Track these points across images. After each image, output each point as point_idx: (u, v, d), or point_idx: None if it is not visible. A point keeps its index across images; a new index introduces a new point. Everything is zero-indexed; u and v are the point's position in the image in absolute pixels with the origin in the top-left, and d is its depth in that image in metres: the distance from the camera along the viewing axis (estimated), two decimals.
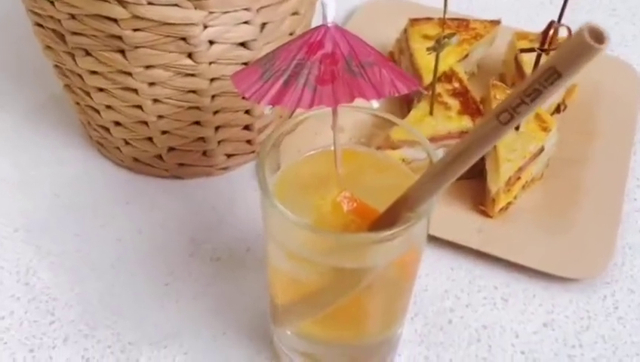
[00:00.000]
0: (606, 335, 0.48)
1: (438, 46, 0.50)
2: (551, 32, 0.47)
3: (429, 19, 0.64)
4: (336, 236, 0.34)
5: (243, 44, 0.47)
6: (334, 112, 0.37)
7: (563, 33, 0.50)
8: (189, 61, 0.46)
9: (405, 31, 0.65)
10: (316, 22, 0.37)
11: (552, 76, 0.24)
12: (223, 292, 0.50)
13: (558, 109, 0.63)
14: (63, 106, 0.63)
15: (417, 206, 0.32)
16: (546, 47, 0.47)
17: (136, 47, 0.45)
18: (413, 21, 0.64)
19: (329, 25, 0.35)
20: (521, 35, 0.63)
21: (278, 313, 0.42)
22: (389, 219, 0.34)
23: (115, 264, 0.52)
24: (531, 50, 0.48)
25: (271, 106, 0.34)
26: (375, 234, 0.33)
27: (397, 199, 0.33)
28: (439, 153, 0.56)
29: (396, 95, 0.34)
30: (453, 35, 0.48)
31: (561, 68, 0.23)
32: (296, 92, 0.34)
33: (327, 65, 0.34)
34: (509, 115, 0.25)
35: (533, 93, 0.24)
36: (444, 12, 0.59)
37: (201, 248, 0.53)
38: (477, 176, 0.57)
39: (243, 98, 0.35)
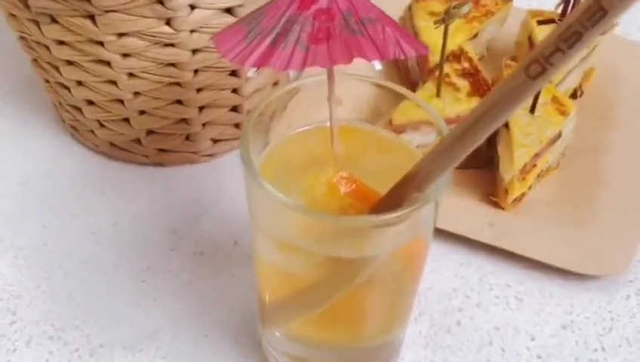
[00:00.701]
0: (630, 337, 0.44)
1: (446, 17, 0.45)
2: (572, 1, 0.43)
3: None
4: (332, 219, 0.29)
5: (229, 11, 0.43)
6: (330, 79, 0.33)
7: None
8: (167, 28, 0.42)
9: (410, 8, 0.61)
10: None
11: (596, 14, 0.20)
12: (206, 290, 0.46)
13: (574, 95, 0.59)
14: (35, 88, 0.59)
15: (427, 184, 0.28)
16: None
17: (107, 12, 0.41)
18: None
19: None
20: (536, 13, 0.59)
21: (267, 312, 0.38)
22: (392, 201, 0.29)
23: (87, 259, 0.48)
24: (550, 21, 0.44)
25: (256, 69, 0.30)
26: (376, 217, 0.29)
27: (403, 177, 0.29)
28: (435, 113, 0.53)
29: (402, 57, 0.30)
30: (463, 4, 0.44)
31: (607, 3, 0.19)
32: (285, 51, 0.29)
33: (322, 21, 0.30)
34: (540, 66, 0.21)
35: (572, 37, 0.20)
36: None
37: (183, 242, 0.49)
38: (486, 165, 0.53)
39: (228, 62, 0.31)
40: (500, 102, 0.23)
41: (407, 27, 0.61)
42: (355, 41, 0.29)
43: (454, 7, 0.46)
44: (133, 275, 0.47)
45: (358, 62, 0.30)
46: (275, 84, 0.54)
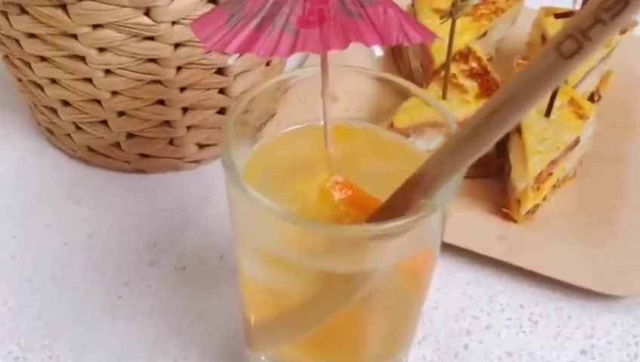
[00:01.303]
0: None
1: (454, 11, 0.42)
2: None
3: None
4: (325, 228, 0.26)
5: (214, 1, 0.40)
6: (324, 72, 0.30)
7: None
8: (146, 19, 0.39)
9: (412, 4, 0.58)
10: None
11: None
12: (187, 308, 0.42)
13: (591, 99, 0.56)
14: (10, 89, 0.56)
15: (434, 189, 0.24)
16: None
17: (80, 0, 0.38)
18: None
19: None
20: (550, 11, 0.56)
21: (253, 334, 0.35)
22: (394, 208, 0.26)
23: (58, 273, 0.44)
24: (570, 13, 0.41)
25: (237, 56, 0.27)
26: (376, 226, 0.25)
27: (406, 181, 0.25)
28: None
29: (406, 43, 0.27)
30: None
31: None
32: (272, 36, 0.26)
33: (315, 2, 0.27)
34: (576, 42, 0.18)
35: (618, 5, 0.17)
36: None
37: (163, 255, 0.45)
38: (496, 173, 0.50)
39: (206, 51, 0.28)
40: (524, 89, 0.20)
41: None
42: (352, 25, 0.26)
43: (462, 0, 0.42)
44: (108, 291, 0.43)
45: (356, 53, 0.27)
46: None
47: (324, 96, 0.30)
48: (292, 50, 0.26)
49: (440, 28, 0.45)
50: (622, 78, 0.59)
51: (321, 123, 0.31)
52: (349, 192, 0.29)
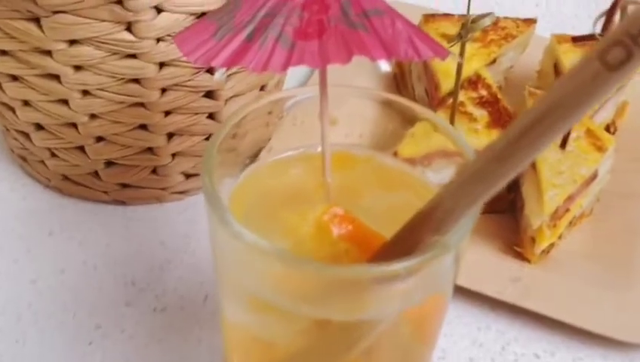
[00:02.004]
0: None
1: (464, 33, 0.40)
2: (617, 13, 0.38)
3: (447, 15, 0.55)
4: (321, 268, 0.23)
5: (204, 15, 0.38)
6: (323, 91, 0.27)
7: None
8: (127, 35, 0.37)
9: None
10: None
11: None
12: (165, 356, 0.39)
13: (607, 130, 0.54)
14: None
15: (448, 225, 0.22)
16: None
17: (55, 13, 0.35)
18: (428, 17, 0.55)
19: None
20: (563, 38, 0.53)
21: None
22: (401, 246, 0.23)
23: (24, 314, 0.41)
24: (590, 37, 0.38)
25: (224, 70, 0.24)
26: (381, 268, 0.22)
27: (415, 216, 0.23)
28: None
29: (416, 59, 0.24)
30: (487, 14, 0.38)
31: None
32: (264, 48, 0.24)
33: (314, 13, 0.24)
34: (625, 50, 0.15)
35: None
36: (469, 1, 0.50)
37: (142, 295, 0.42)
38: (506, 210, 0.47)
39: (195, 72, 0.25)
40: (560, 106, 0.17)
41: None
42: (355, 37, 0.24)
43: (473, 21, 0.40)
44: (78, 335, 0.40)
45: (359, 71, 0.24)
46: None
47: (323, 119, 0.28)
48: (287, 63, 0.23)
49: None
50: (637, 109, 0.56)
51: (319, 149, 0.28)
52: (350, 227, 0.26)
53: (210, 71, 0.41)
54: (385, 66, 0.23)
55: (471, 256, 0.43)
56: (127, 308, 0.42)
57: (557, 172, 0.43)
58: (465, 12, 0.51)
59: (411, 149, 0.40)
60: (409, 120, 0.30)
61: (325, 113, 0.28)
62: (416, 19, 0.56)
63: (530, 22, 0.56)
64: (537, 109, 0.18)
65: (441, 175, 0.43)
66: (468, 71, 0.50)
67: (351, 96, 0.29)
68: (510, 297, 0.41)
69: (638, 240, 0.46)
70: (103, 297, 0.42)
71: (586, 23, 0.71)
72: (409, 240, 0.23)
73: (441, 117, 0.46)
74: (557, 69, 0.54)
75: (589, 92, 0.16)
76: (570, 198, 0.43)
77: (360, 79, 0.51)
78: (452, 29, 0.54)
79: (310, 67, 0.23)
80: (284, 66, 0.23)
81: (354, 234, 0.26)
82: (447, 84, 0.50)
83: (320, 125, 0.28)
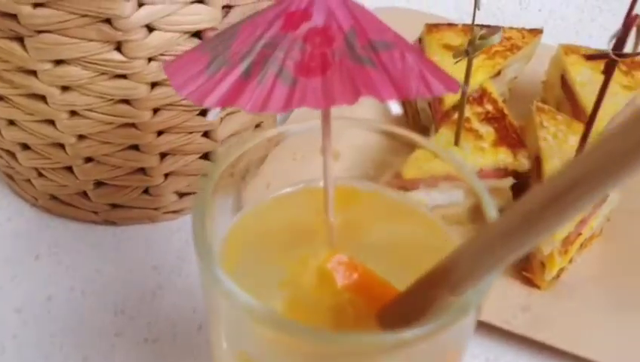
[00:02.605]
0: None
1: (470, 50, 0.38)
2: (633, 29, 0.36)
3: (451, 25, 0.53)
4: (321, 337, 0.20)
5: (198, 35, 0.35)
6: (326, 125, 0.25)
7: None
8: (117, 55, 0.34)
9: (420, 40, 0.54)
10: None
11: None
12: None
13: None
14: None
15: (468, 285, 0.20)
16: (624, 50, 0.36)
17: (39, 32, 0.33)
18: (431, 27, 0.53)
19: None
20: (570, 49, 0.52)
21: None
22: (413, 303, 0.21)
23: (8, 345, 0.39)
24: (602, 55, 0.36)
25: (219, 109, 0.22)
26: (389, 337, 0.20)
27: (431, 272, 0.21)
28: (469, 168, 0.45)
29: (427, 95, 0.22)
30: (495, 30, 0.36)
31: None
32: (262, 85, 0.22)
33: (316, 45, 0.22)
34: None
35: None
36: (475, 12, 0.48)
37: (132, 324, 0.40)
38: None
39: (188, 102, 0.23)
40: (599, 171, 0.15)
41: None
42: (362, 73, 0.21)
43: (480, 37, 0.38)
44: None
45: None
46: (258, 125, 0.46)
47: (326, 153, 0.26)
48: (288, 103, 0.21)
49: (452, 66, 0.41)
50: None
51: (320, 183, 0.26)
52: (355, 276, 0.24)
53: (203, 113, 0.39)
54: (396, 108, 0.21)
55: None
56: (117, 337, 0.40)
57: None
58: (468, 16, 0.49)
59: (415, 172, 0.38)
60: (408, 149, 0.28)
61: (329, 146, 0.26)
62: (418, 27, 0.54)
63: (536, 32, 0.54)
64: (573, 172, 0.16)
65: (446, 196, 0.41)
66: (472, 84, 0.48)
67: (353, 128, 0.27)
68: (520, 328, 0.39)
69: None
70: (92, 327, 0.40)
71: (589, 28, 0.69)
72: (422, 298, 0.21)
73: (444, 134, 0.45)
74: (564, 81, 0.52)
75: (633, 158, 0.14)
76: (582, 222, 0.41)
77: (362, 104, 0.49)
78: (456, 39, 0.52)
79: (313, 108, 0.21)
80: (285, 107, 0.21)
81: (359, 283, 0.24)
82: (451, 98, 0.48)
83: (322, 160, 0.26)
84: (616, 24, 0.36)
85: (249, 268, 0.25)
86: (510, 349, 0.40)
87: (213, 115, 0.22)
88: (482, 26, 0.53)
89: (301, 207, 0.27)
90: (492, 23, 0.63)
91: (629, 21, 0.36)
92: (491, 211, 0.24)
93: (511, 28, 0.54)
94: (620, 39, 0.36)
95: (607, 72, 0.37)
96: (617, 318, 0.40)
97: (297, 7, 0.23)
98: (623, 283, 0.43)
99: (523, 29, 0.54)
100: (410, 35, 0.55)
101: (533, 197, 0.17)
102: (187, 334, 0.40)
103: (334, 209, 0.26)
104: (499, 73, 0.52)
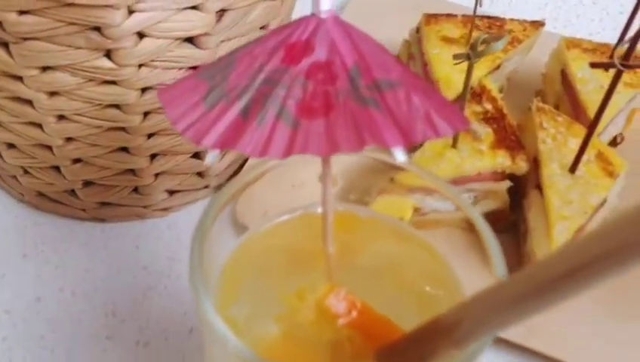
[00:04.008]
0: None
1: (472, 55, 0.37)
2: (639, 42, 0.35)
3: (450, 15, 0.52)
4: None
5: (190, 40, 0.35)
6: (326, 159, 0.24)
7: None
8: (106, 62, 0.33)
9: (418, 30, 0.53)
10: (301, 12, 0.25)
11: None
12: None
13: (614, 142, 0.52)
14: None
15: (471, 341, 0.20)
16: (630, 61, 0.35)
17: (25, 39, 0.32)
18: (430, 18, 0.52)
19: (323, 14, 0.23)
20: (572, 43, 0.51)
21: None
22: (413, 350, 0.21)
23: None
24: (609, 64, 0.36)
25: (218, 152, 0.21)
26: None
27: (433, 323, 0.21)
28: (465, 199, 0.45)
29: (434, 138, 0.22)
30: (499, 37, 0.36)
31: None
32: (263, 127, 0.21)
33: (319, 82, 0.22)
34: None
35: None
36: (476, 5, 0.47)
37: (123, 327, 0.40)
38: (504, 230, 0.46)
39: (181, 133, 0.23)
40: (614, 255, 0.15)
41: (414, 53, 0.53)
42: (366, 116, 0.21)
43: (483, 42, 0.37)
44: None
45: None
46: None
47: (325, 181, 0.25)
48: (290, 149, 0.21)
49: (451, 60, 0.41)
50: None
51: (319, 210, 0.26)
52: (354, 312, 0.24)
53: (199, 155, 0.39)
54: (400, 156, 0.20)
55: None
56: (108, 341, 0.40)
57: (567, 201, 0.41)
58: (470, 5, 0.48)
59: (411, 180, 0.38)
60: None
61: (328, 174, 0.25)
62: (416, 16, 0.53)
63: (538, 24, 0.53)
64: (589, 252, 0.15)
65: (441, 204, 0.41)
66: (472, 79, 0.48)
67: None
68: (513, 335, 0.40)
69: None
70: (83, 330, 0.40)
71: (591, 11, 0.68)
72: (423, 347, 0.21)
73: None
74: (564, 75, 0.51)
75: None
76: (579, 230, 0.41)
77: None
78: (455, 31, 0.51)
79: (316, 155, 0.21)
80: (287, 153, 0.21)
81: (359, 321, 0.24)
82: (449, 94, 0.48)
83: (322, 186, 0.26)
84: (617, 7, 0.35)
85: (246, 299, 0.25)
86: (504, 354, 0.40)
87: (211, 158, 0.22)
88: (483, 17, 0.53)
89: (299, 234, 0.27)
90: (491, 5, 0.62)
91: (638, 33, 0.35)
92: (481, 225, 0.25)
93: (512, 20, 0.53)
94: (628, 50, 0.36)
95: (613, 82, 0.37)
96: (614, 324, 0.41)
97: (298, 38, 0.23)
98: (619, 286, 0.43)
99: (525, 21, 0.53)
100: (405, 22, 0.54)
101: (544, 271, 0.17)
102: (178, 338, 0.40)
103: (332, 239, 0.26)
104: (498, 67, 0.51)
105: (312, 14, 0.23)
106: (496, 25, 0.52)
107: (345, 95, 0.21)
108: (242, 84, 0.23)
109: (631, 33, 0.38)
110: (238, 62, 0.23)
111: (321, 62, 0.22)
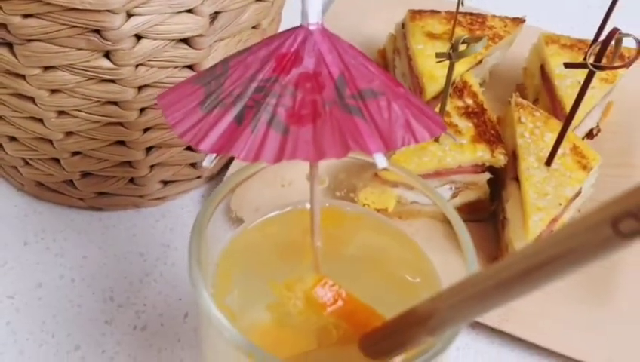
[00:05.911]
0: None
1: (454, 55, 0.39)
2: (612, 42, 0.37)
3: (434, 12, 0.54)
4: None
5: (185, 41, 0.36)
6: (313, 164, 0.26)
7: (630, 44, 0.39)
8: (105, 62, 0.35)
9: (403, 26, 0.54)
10: (290, 19, 0.26)
11: None
12: None
13: (590, 134, 0.54)
14: None
15: (444, 329, 0.22)
16: (603, 62, 0.37)
17: (29, 41, 0.33)
18: (414, 14, 0.53)
19: (311, 26, 0.24)
20: (551, 38, 0.53)
21: None
22: (392, 336, 0.23)
23: (1, 332, 0.40)
24: (581, 65, 0.38)
25: (214, 156, 0.23)
26: None
27: (409, 313, 0.23)
28: (444, 193, 0.47)
29: (412, 144, 0.23)
30: (479, 38, 0.37)
31: None
32: (255, 133, 0.23)
33: (307, 91, 0.23)
34: (637, 223, 0.15)
35: None
36: (459, 3, 0.49)
37: (121, 312, 0.42)
38: (485, 219, 0.48)
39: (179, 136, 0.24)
40: (565, 256, 0.17)
41: (399, 48, 0.54)
42: (350, 124, 0.23)
43: (464, 42, 0.39)
44: (56, 355, 0.40)
45: None
46: None
47: (313, 181, 0.27)
48: (280, 154, 0.22)
49: (434, 57, 0.42)
50: (622, 107, 0.56)
51: (307, 205, 0.28)
52: (340, 301, 0.26)
53: (192, 148, 0.40)
54: (381, 162, 0.22)
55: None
56: (107, 325, 0.42)
57: (542, 193, 0.43)
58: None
59: (392, 176, 0.40)
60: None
61: (315, 175, 0.27)
62: (403, 11, 0.55)
63: (519, 21, 0.54)
64: (546, 253, 0.17)
65: (422, 196, 0.43)
66: (453, 74, 0.49)
67: None
68: (490, 320, 0.42)
69: (626, 256, 0.46)
70: (82, 314, 0.42)
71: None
72: (401, 334, 0.23)
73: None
74: (544, 70, 0.53)
75: (596, 252, 0.16)
76: (554, 220, 0.43)
77: None
78: (438, 27, 0.53)
79: (304, 160, 0.22)
80: (277, 158, 0.22)
81: (344, 310, 0.26)
82: (432, 88, 0.49)
83: (309, 185, 0.27)
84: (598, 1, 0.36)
85: (239, 289, 0.26)
86: (480, 337, 0.43)
87: (208, 162, 0.23)
88: (465, 14, 0.55)
89: (289, 229, 0.29)
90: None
91: (609, 36, 0.37)
92: (457, 224, 0.27)
93: (493, 16, 0.54)
94: (600, 52, 0.38)
95: (585, 82, 0.39)
96: (597, 314, 0.42)
97: (288, 49, 0.24)
98: (597, 276, 0.45)
99: (506, 17, 0.55)
100: (390, 18, 0.56)
101: (509, 267, 0.19)
102: (173, 323, 0.42)
103: (320, 233, 0.28)
104: (480, 62, 0.53)
105: (301, 25, 0.25)
106: (477, 21, 0.53)
107: (331, 104, 0.23)
108: (236, 91, 0.24)
109: (607, 31, 0.39)
110: (232, 70, 0.25)
111: (309, 73, 0.24)
